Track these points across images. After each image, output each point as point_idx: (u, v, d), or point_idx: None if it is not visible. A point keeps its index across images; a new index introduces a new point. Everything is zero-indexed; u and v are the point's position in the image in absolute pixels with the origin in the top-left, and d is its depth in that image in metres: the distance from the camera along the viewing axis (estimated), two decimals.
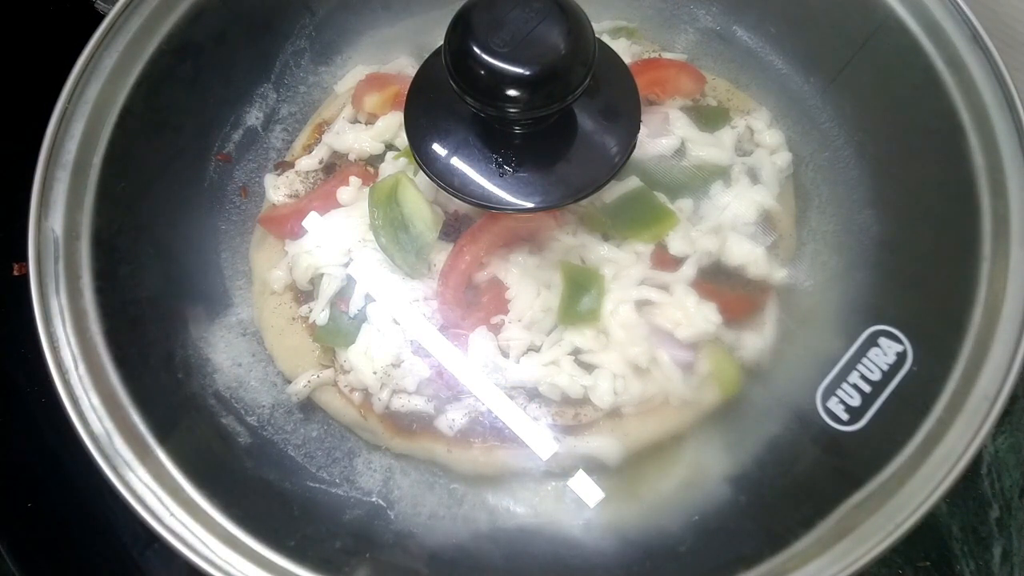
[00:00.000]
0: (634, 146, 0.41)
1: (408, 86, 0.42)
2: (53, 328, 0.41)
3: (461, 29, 0.36)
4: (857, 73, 0.47)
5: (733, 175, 0.46)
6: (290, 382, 0.45)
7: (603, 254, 0.43)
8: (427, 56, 0.42)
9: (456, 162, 0.40)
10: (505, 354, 0.42)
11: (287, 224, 0.47)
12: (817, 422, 0.40)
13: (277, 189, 0.48)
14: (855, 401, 0.40)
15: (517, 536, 0.42)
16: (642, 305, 0.43)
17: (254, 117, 0.50)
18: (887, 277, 0.44)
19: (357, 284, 0.44)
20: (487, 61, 0.35)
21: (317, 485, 0.43)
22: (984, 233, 0.42)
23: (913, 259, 0.44)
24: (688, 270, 0.43)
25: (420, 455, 0.43)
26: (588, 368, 0.42)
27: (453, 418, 0.42)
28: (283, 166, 0.49)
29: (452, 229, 0.44)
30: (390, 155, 0.47)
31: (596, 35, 0.37)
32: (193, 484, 0.40)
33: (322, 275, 0.45)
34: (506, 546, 0.41)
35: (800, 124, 0.48)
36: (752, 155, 0.47)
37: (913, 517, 0.37)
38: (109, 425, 0.40)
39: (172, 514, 0.39)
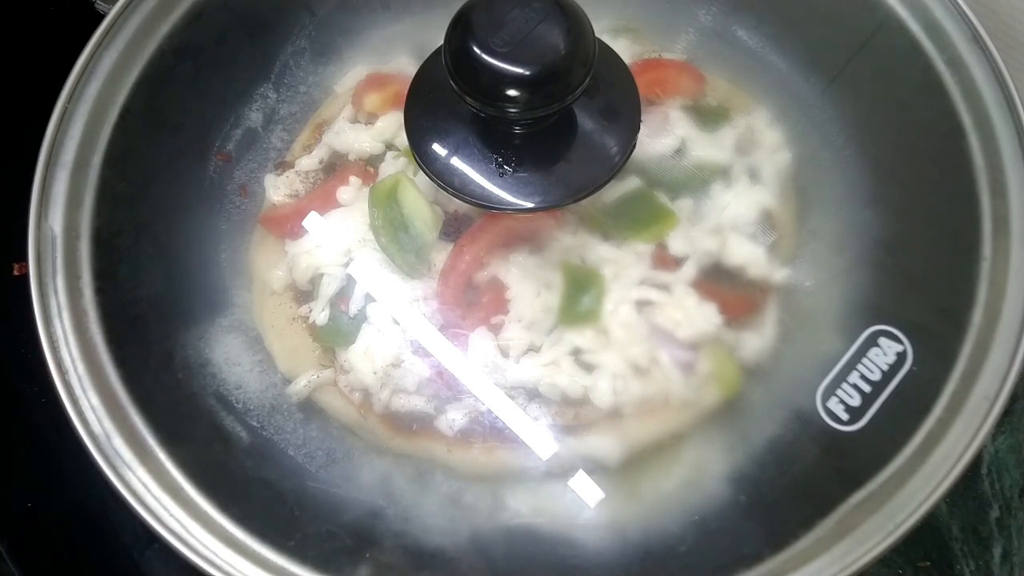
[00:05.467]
0: (634, 146, 0.41)
1: (408, 86, 0.42)
2: (53, 328, 0.41)
3: (461, 29, 0.36)
4: (857, 73, 0.47)
5: (733, 175, 0.46)
6: (290, 382, 0.45)
7: (603, 254, 0.43)
8: (427, 56, 0.42)
9: (456, 162, 0.40)
10: (505, 354, 0.42)
11: (287, 224, 0.47)
12: (817, 422, 0.40)
13: (277, 189, 0.48)
14: (855, 401, 0.40)
15: (517, 536, 0.42)
16: (642, 305, 0.43)
17: (254, 117, 0.50)
18: (887, 277, 0.44)
19: (357, 284, 0.44)
20: (487, 61, 0.35)
21: (317, 485, 0.43)
22: (984, 233, 0.42)
23: (913, 259, 0.44)
24: (688, 270, 0.43)
25: (420, 455, 0.43)
26: (588, 368, 0.42)
27: (453, 418, 0.42)
28: (283, 166, 0.49)
29: (452, 229, 0.44)
30: (390, 155, 0.47)
31: (596, 35, 0.37)
32: (193, 484, 0.40)
33: (322, 275, 0.45)
34: (506, 546, 0.41)
35: (800, 124, 0.48)
36: (752, 155, 0.47)
37: (913, 517, 0.37)
38: (109, 425, 0.40)
39: (172, 514, 0.39)
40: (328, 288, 0.45)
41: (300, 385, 0.44)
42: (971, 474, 0.53)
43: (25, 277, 0.41)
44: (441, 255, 0.44)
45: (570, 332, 0.42)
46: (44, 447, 0.54)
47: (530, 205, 0.40)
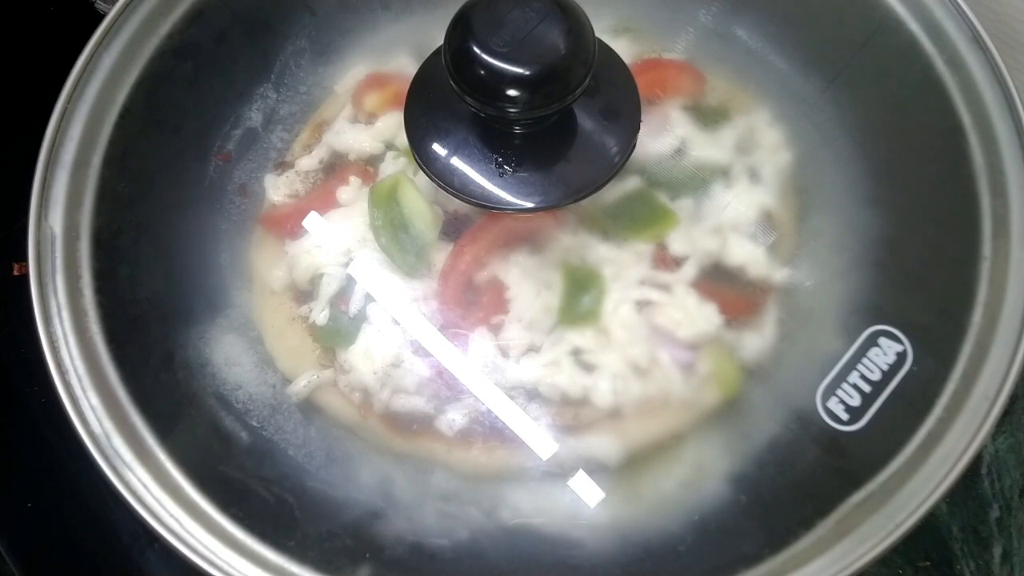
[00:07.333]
0: (634, 146, 0.41)
1: (408, 86, 0.42)
2: (53, 328, 0.41)
3: (461, 29, 0.36)
4: (857, 73, 0.47)
5: (733, 175, 0.46)
6: (290, 382, 0.45)
7: (603, 254, 0.43)
8: (427, 56, 0.42)
9: (456, 162, 0.40)
10: (505, 354, 0.42)
11: (287, 224, 0.47)
12: (817, 422, 0.40)
13: (277, 189, 0.48)
14: (855, 401, 0.40)
15: (517, 536, 0.42)
16: (642, 305, 0.43)
17: (254, 117, 0.50)
18: (887, 277, 0.44)
19: (357, 284, 0.44)
20: (487, 61, 0.35)
21: (317, 485, 0.43)
22: (984, 233, 0.42)
23: (913, 259, 0.44)
24: (688, 270, 0.43)
25: (420, 455, 0.43)
26: (588, 368, 0.42)
27: (453, 418, 0.42)
28: (283, 166, 0.49)
29: (452, 229, 0.44)
30: (390, 155, 0.47)
31: (596, 35, 0.37)
32: (193, 484, 0.40)
33: (322, 275, 0.45)
34: (506, 546, 0.41)
35: (800, 124, 0.48)
36: (752, 155, 0.47)
37: (913, 517, 0.37)
38: (109, 425, 0.40)
39: (172, 514, 0.39)
40: (328, 288, 0.45)
41: (300, 385, 0.44)
42: (971, 474, 0.53)
43: (25, 277, 0.41)
44: (441, 255, 0.44)
45: (570, 332, 0.42)
46: (44, 447, 0.54)
47: (530, 205, 0.40)
